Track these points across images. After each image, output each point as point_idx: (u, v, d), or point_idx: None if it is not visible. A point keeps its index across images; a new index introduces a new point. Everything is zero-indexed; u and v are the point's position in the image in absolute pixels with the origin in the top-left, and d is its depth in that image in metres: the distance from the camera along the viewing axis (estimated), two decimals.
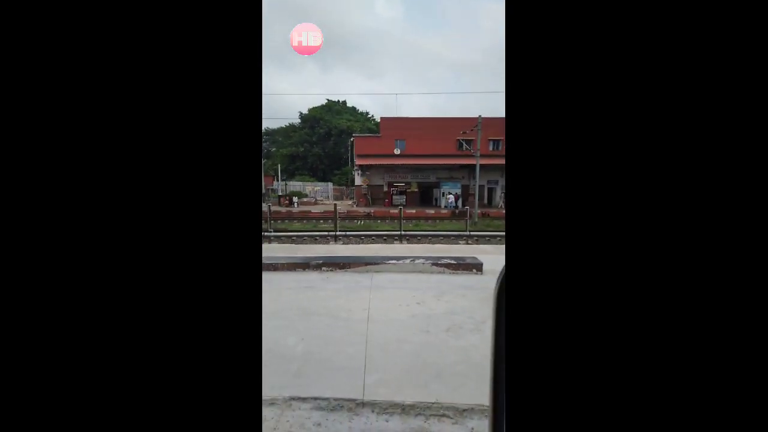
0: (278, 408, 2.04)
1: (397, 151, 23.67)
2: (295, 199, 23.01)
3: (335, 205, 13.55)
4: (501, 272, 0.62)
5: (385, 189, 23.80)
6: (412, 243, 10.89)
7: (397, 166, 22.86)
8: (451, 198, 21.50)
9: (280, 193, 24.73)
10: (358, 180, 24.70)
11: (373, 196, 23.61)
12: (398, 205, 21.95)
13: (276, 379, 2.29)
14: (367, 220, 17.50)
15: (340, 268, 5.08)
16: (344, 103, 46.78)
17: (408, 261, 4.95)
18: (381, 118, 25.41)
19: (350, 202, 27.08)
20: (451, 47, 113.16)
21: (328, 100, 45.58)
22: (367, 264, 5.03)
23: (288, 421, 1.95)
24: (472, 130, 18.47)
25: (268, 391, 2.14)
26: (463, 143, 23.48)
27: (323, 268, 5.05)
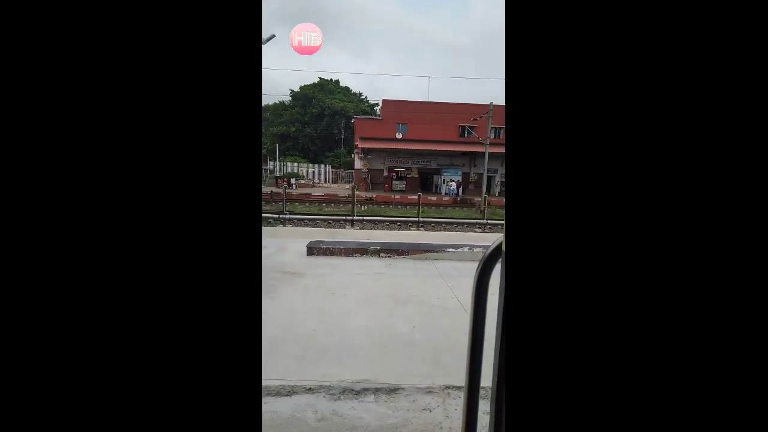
0: (438, 396, 2.07)
1: (398, 135, 23.46)
2: (293, 180, 22.59)
3: (353, 188, 13.39)
4: (482, 258, 0.66)
5: (385, 173, 23.66)
6: (429, 230, 10.95)
7: (399, 150, 22.69)
8: (453, 185, 21.63)
9: (277, 174, 24.19)
10: (358, 163, 24.43)
11: (373, 180, 23.45)
12: (398, 191, 21.95)
13: (418, 367, 2.30)
14: (370, 205, 17.41)
15: (399, 255, 5.07)
16: (337, 82, 45.69)
17: (466, 249, 4.99)
18: (383, 100, 25.02)
19: (348, 186, 26.81)
20: (440, 29, 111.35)
21: (320, 78, 44.39)
22: (425, 251, 5.05)
23: (456, 408, 1.97)
24: (481, 117, 18.46)
25: (418, 380, 2.16)
26: (466, 130, 23.50)
27: (381, 254, 5.04)
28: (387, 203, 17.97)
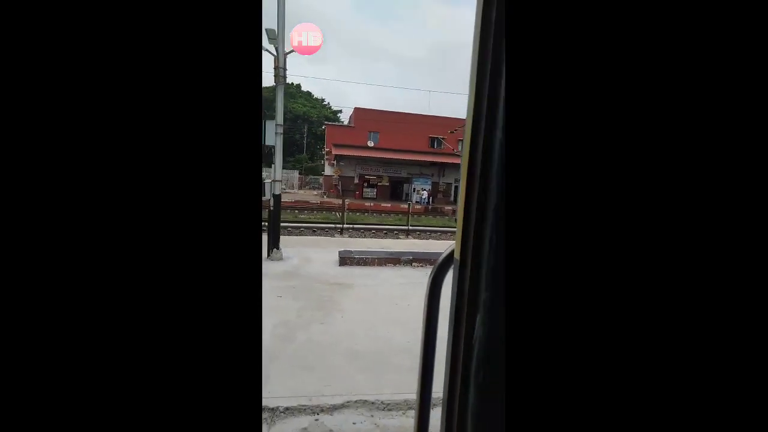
0: None
1: (370, 143, 23.64)
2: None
3: (343, 198, 13.20)
4: (434, 266, 0.68)
5: (356, 181, 23.65)
6: (418, 239, 11.18)
7: (371, 158, 22.85)
8: (425, 194, 22.21)
9: None
10: (329, 170, 24.18)
11: (344, 187, 23.32)
12: (369, 198, 22.07)
13: None
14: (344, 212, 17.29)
15: (430, 264, 5.21)
16: (299, 86, 44.85)
17: None
18: (354, 108, 25.09)
19: (316, 193, 26.35)
20: (396, 41, 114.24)
21: None
22: None
23: None
24: (456, 130, 19.25)
25: None
26: (436, 141, 24.34)
27: (414, 264, 5.13)
28: (361, 211, 17.98)
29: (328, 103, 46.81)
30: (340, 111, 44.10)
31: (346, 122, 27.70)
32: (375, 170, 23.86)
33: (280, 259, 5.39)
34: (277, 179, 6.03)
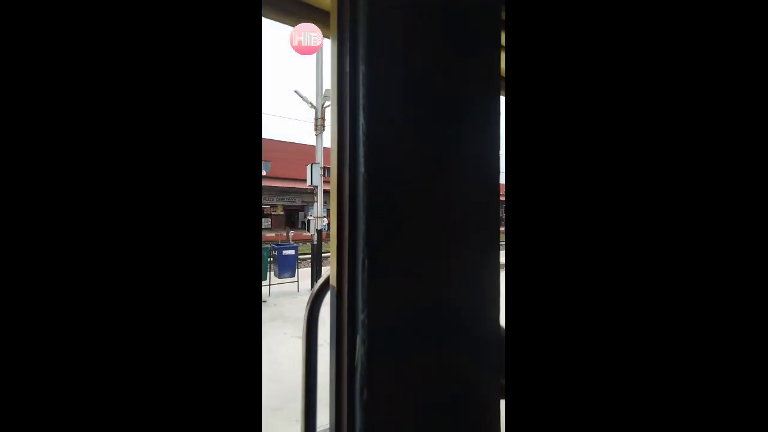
0: None
1: (264, 172, 23.20)
2: None
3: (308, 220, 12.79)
4: (312, 292, 0.72)
5: None
6: None
7: (270, 187, 22.50)
8: (325, 221, 23.21)
9: None
10: None
11: None
12: (264, 228, 21.49)
13: None
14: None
15: None
16: None
17: None
18: None
19: None
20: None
21: None
22: None
23: None
24: None
25: None
26: (326, 170, 25.78)
27: None
28: (268, 241, 17.76)
29: None
30: None
31: None
32: (269, 199, 23.52)
33: None
34: (321, 216, 6.68)
